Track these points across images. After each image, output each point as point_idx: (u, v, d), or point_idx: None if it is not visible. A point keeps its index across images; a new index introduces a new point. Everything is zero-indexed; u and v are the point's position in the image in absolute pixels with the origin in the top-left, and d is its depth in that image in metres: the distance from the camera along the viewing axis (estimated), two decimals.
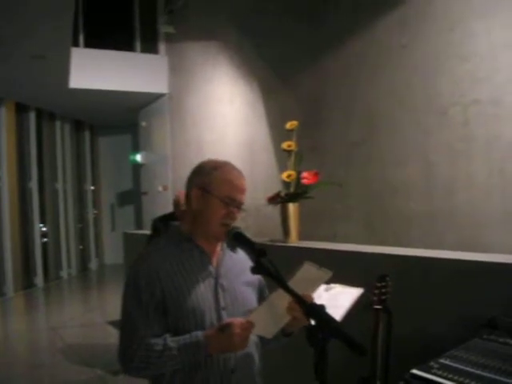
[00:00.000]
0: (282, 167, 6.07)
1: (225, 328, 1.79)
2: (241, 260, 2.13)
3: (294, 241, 4.01)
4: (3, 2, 5.89)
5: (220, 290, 1.98)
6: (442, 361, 1.95)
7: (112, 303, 9.12)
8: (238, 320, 1.80)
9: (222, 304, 1.96)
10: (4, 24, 6.49)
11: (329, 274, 1.82)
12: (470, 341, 2.16)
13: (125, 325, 1.93)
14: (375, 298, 2.43)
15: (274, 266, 1.73)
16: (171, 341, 1.83)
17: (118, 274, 10.15)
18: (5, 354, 6.71)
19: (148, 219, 11.03)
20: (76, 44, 9.38)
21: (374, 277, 2.47)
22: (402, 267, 2.96)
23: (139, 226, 12.40)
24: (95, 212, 14.14)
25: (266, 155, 7.00)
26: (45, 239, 11.75)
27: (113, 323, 7.56)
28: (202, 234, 2.00)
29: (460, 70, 4.43)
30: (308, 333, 1.56)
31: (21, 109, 11.09)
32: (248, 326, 1.78)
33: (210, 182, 1.97)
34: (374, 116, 5.35)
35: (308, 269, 1.79)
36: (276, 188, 4.57)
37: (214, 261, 2.03)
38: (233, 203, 1.96)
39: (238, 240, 1.89)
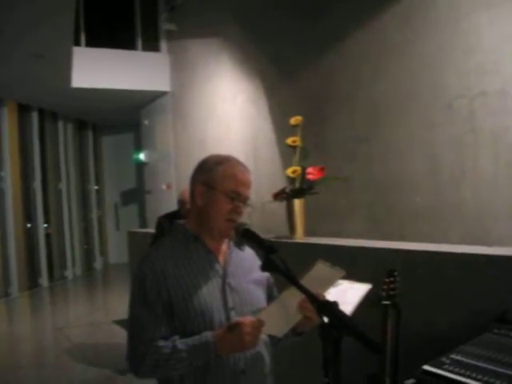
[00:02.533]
0: (286, 163, 6.05)
1: (234, 327, 1.74)
2: (248, 258, 2.09)
3: (300, 237, 3.98)
4: (3, 1, 5.87)
5: (228, 290, 1.93)
6: (453, 356, 1.92)
7: (117, 302, 9.13)
8: (248, 319, 1.76)
9: (231, 304, 1.91)
10: (4, 23, 6.47)
11: (342, 273, 1.79)
12: (481, 335, 2.13)
13: (132, 327, 1.89)
14: (384, 294, 2.40)
15: (284, 263, 1.68)
16: (180, 343, 1.79)
17: (123, 274, 10.16)
18: (11, 354, 6.71)
19: (152, 218, 11.00)
20: (77, 43, 9.35)
21: (382, 272, 2.44)
22: (410, 262, 2.93)
23: (143, 224, 12.39)
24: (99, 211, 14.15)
25: (269, 151, 6.97)
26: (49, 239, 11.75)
27: (119, 322, 7.54)
28: (208, 231, 1.95)
29: (466, 62, 4.39)
30: (321, 331, 1.52)
31: (23, 109, 11.08)
32: (258, 325, 1.73)
33: (214, 177, 1.92)
34: (378, 110, 5.31)
35: (321, 268, 1.76)
36: (280, 184, 4.53)
37: (221, 259, 1.99)
38: (238, 198, 1.91)
39: (246, 237, 1.84)
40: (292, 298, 1.76)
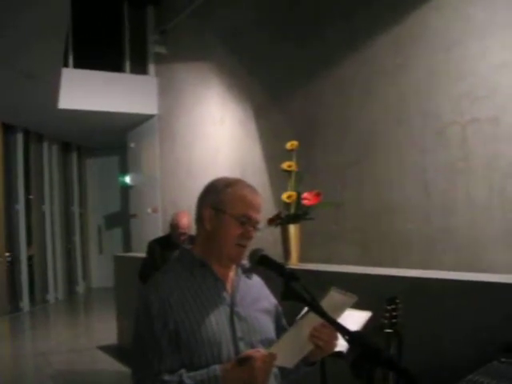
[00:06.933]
0: (275, 187, 6.02)
1: (244, 361, 1.65)
2: (256, 286, 2.02)
3: (294, 263, 3.94)
4: None
5: (236, 319, 1.84)
6: None
7: (101, 328, 8.98)
8: (260, 352, 1.67)
9: (239, 334, 1.82)
10: None
11: (354, 298, 1.74)
12: (488, 364, 2.09)
13: (136, 358, 1.79)
14: (385, 322, 2.36)
15: (308, 291, 1.61)
16: (187, 377, 1.69)
17: (106, 298, 10.00)
18: None
19: (137, 242, 10.91)
20: (65, 64, 9.27)
21: (379, 299, 2.40)
22: (409, 289, 2.90)
23: (128, 248, 12.24)
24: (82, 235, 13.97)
25: (258, 176, 6.93)
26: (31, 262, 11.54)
27: (102, 348, 7.39)
28: (215, 257, 1.88)
29: (457, 89, 4.41)
30: (353, 363, 1.46)
31: (8, 129, 10.96)
32: (270, 359, 1.65)
33: (224, 200, 1.86)
34: (368, 136, 5.31)
35: (334, 295, 1.71)
36: (269, 209, 4.49)
37: (229, 287, 1.91)
38: (248, 222, 1.84)
39: (263, 264, 1.76)
40: (305, 327, 1.70)
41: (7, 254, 10.76)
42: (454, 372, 2.19)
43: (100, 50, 10.34)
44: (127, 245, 12.60)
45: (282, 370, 1.87)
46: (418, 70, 4.79)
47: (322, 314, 1.58)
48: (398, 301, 2.39)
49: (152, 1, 10.59)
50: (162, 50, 9.94)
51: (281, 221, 3.95)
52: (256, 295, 1.97)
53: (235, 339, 1.81)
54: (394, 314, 2.37)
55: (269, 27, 6.86)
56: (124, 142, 11.93)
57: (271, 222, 3.95)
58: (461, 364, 2.41)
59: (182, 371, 1.72)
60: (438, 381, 2.23)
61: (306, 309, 1.75)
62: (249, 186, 1.93)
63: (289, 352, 1.72)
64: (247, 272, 1.99)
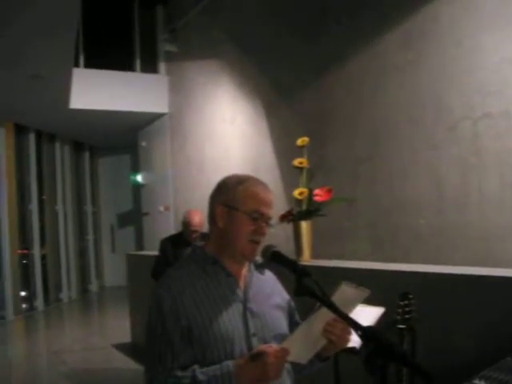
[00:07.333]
0: (287, 184, 6.02)
1: (257, 356, 1.66)
2: (269, 282, 2.02)
3: (307, 259, 3.94)
4: (3, 21, 5.84)
5: (249, 315, 1.84)
6: (476, 382, 1.88)
7: (114, 326, 9.02)
8: (272, 348, 1.68)
9: (252, 330, 1.82)
10: (4, 43, 6.44)
11: (366, 292, 1.73)
12: (502, 360, 2.08)
13: (150, 355, 1.80)
14: (399, 317, 2.36)
15: (320, 287, 1.61)
16: (200, 373, 1.70)
17: (120, 297, 10.05)
18: (5, 378, 6.56)
19: (149, 240, 10.95)
20: (76, 64, 9.32)
21: (394, 295, 2.39)
22: (423, 284, 2.89)
23: (140, 247, 12.30)
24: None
25: (270, 173, 6.94)
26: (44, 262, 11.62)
27: (116, 346, 7.43)
28: (228, 254, 1.88)
29: (469, 83, 4.39)
30: (366, 359, 1.46)
31: (20, 130, 11.03)
32: (283, 355, 1.65)
33: (235, 197, 1.86)
34: (380, 131, 5.30)
35: (345, 289, 1.70)
36: (282, 206, 4.49)
37: (241, 283, 1.91)
38: (261, 218, 1.84)
39: (276, 260, 1.77)
40: (318, 322, 1.70)
41: (21, 253, 10.85)
42: (466, 368, 2.18)
43: (110, 50, 10.38)
44: (140, 243, 12.66)
45: (295, 365, 1.87)
46: (429, 65, 4.77)
47: (334, 309, 1.58)
48: (410, 296, 2.38)
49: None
50: (172, 48, 9.97)
51: (293, 217, 3.95)
52: (269, 291, 1.97)
53: (248, 335, 1.81)
54: (407, 309, 2.37)
55: (278, 25, 6.85)
56: (135, 141, 11.97)
57: (283, 218, 3.95)
58: (474, 360, 2.41)
59: (195, 367, 1.73)
60: (450, 376, 2.23)
61: (318, 304, 1.76)
62: (260, 183, 1.93)
63: (302, 347, 1.72)
64: (260, 268, 1.99)
